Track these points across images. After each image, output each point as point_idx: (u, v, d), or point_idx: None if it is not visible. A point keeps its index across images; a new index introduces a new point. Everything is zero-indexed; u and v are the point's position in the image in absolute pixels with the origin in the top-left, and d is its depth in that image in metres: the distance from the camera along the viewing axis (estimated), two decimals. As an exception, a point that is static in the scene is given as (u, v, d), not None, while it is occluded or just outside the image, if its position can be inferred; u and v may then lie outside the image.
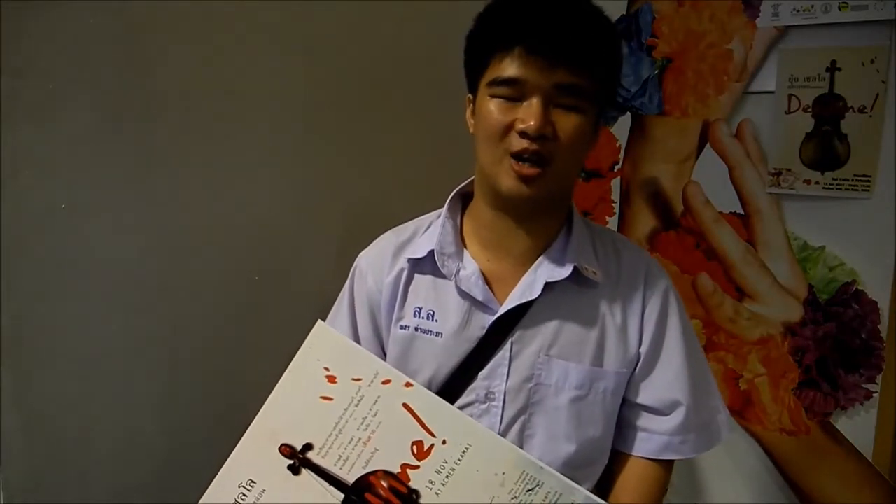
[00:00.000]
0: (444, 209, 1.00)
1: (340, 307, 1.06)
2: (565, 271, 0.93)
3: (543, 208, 0.94)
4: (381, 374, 0.90)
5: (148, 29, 1.32)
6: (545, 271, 0.94)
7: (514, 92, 0.86)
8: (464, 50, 0.94)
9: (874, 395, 1.40)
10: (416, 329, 0.97)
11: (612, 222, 1.73)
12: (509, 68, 0.85)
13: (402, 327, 0.99)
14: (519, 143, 0.86)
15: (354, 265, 1.06)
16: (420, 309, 0.98)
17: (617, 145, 1.70)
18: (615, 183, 1.72)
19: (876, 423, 1.41)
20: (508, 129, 0.86)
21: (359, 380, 0.90)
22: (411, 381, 0.90)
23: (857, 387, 1.42)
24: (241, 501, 0.91)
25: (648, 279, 0.98)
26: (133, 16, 1.30)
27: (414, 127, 1.53)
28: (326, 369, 0.91)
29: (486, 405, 0.94)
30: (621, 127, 1.69)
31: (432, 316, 0.97)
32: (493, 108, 0.87)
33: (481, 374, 0.94)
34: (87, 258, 1.30)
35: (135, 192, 1.34)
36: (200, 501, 0.93)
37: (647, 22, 1.60)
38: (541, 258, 0.95)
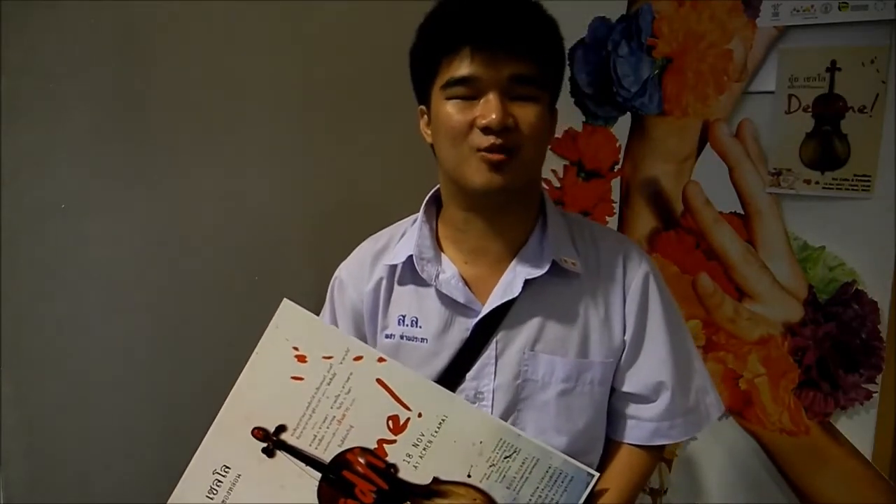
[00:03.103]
0: (420, 214, 1.00)
1: (323, 320, 1.06)
2: (544, 266, 0.93)
3: (513, 202, 0.94)
4: (352, 351, 0.89)
5: (147, 29, 1.32)
6: (524, 269, 0.94)
7: (470, 90, 0.87)
8: (409, 63, 0.94)
9: (874, 395, 1.40)
10: (402, 337, 0.98)
11: (612, 222, 1.73)
12: (461, 68, 0.86)
13: (387, 336, 0.99)
14: (484, 140, 0.86)
15: (335, 277, 1.06)
16: (404, 317, 0.98)
17: (617, 145, 1.70)
18: (615, 183, 1.72)
19: (876, 423, 1.41)
20: (470, 127, 0.87)
21: (330, 357, 0.89)
22: (384, 356, 0.89)
23: (857, 387, 1.42)
24: (216, 488, 0.90)
25: (628, 266, 0.97)
26: (132, 16, 1.30)
27: (415, 126, 1.53)
28: (295, 349, 0.90)
29: (476, 405, 0.94)
30: (621, 127, 1.69)
31: (416, 322, 0.97)
32: (451, 109, 0.88)
33: (469, 374, 0.95)
34: (87, 258, 1.30)
35: (135, 192, 1.34)
36: (174, 493, 0.92)
37: (647, 22, 1.60)
38: (518, 256, 0.95)
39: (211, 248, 1.45)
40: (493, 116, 0.84)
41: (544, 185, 1.81)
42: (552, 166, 1.79)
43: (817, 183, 1.42)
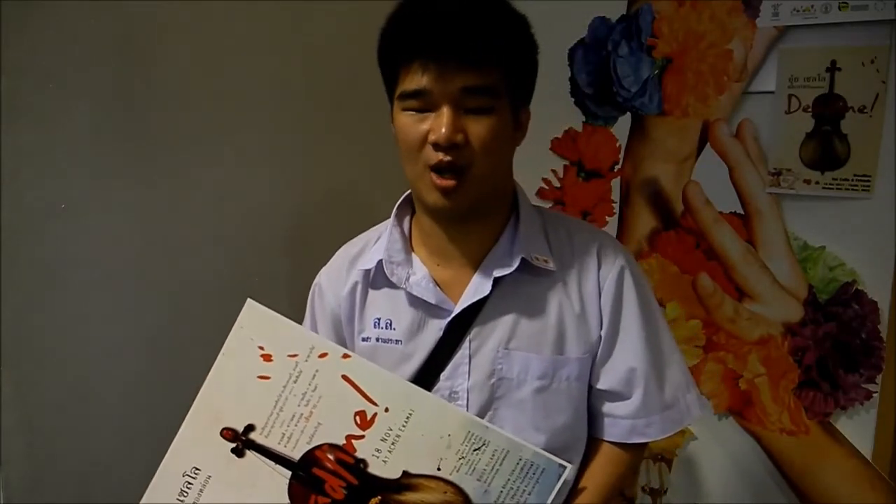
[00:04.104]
0: (391, 218, 1.01)
1: (304, 325, 1.07)
2: (513, 264, 0.93)
3: (477, 211, 0.93)
4: (317, 348, 0.89)
5: (147, 29, 1.32)
6: (494, 267, 0.94)
7: (423, 103, 0.86)
8: (378, 64, 0.93)
9: (874, 395, 1.40)
10: (377, 339, 0.99)
11: (612, 222, 1.73)
12: (413, 80, 0.85)
13: (363, 339, 1.00)
14: (434, 156, 0.86)
15: (314, 283, 1.07)
16: (378, 319, 0.99)
17: (617, 145, 1.70)
18: (615, 183, 1.72)
19: (876, 423, 1.41)
20: (423, 141, 0.86)
21: (295, 356, 0.89)
22: (349, 352, 0.90)
23: (857, 387, 1.42)
24: (186, 490, 0.91)
25: (603, 260, 0.97)
26: (133, 16, 1.30)
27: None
28: (261, 348, 0.90)
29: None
30: (621, 127, 1.69)
31: (390, 325, 0.98)
32: (406, 121, 0.88)
33: (443, 374, 0.95)
34: (87, 258, 1.30)
35: (134, 192, 1.34)
36: (145, 496, 0.92)
37: (647, 22, 1.60)
38: (489, 255, 0.96)
39: (211, 248, 1.45)
40: (442, 131, 0.84)
41: (544, 185, 1.81)
42: (552, 166, 1.79)
43: (817, 183, 1.42)
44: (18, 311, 1.23)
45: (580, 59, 1.70)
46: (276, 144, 1.51)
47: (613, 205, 1.73)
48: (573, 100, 1.72)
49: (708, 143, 1.57)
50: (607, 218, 1.74)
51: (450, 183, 0.86)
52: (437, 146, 0.85)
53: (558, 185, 1.80)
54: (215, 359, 0.93)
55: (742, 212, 1.53)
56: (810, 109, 1.42)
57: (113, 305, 1.34)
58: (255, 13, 1.44)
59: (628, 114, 1.68)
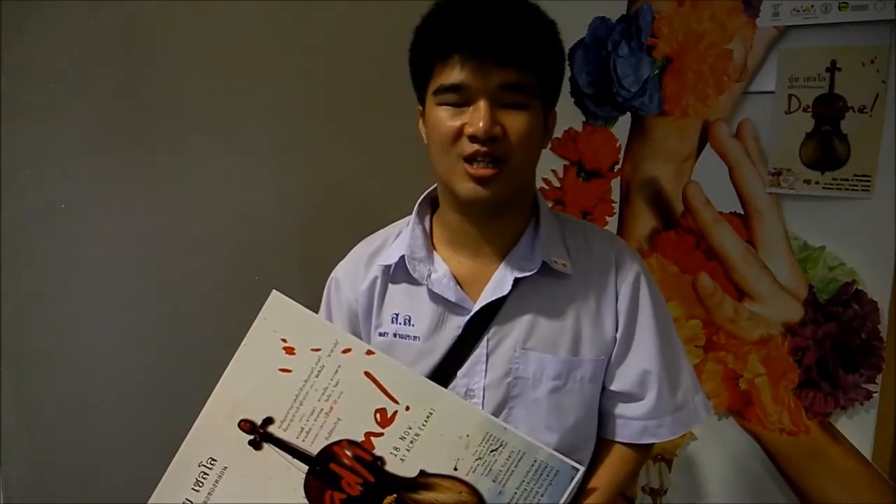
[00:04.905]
0: (413, 215, 1.02)
1: None
2: (534, 266, 0.95)
3: (505, 206, 0.95)
4: (340, 343, 0.89)
5: (147, 29, 1.32)
6: (514, 267, 0.95)
7: (460, 98, 0.87)
8: (408, 62, 0.95)
9: (874, 395, 1.40)
10: (395, 335, 0.99)
11: (612, 222, 1.73)
12: (451, 75, 0.87)
13: (380, 334, 1.01)
14: (470, 147, 0.87)
15: (331, 277, 1.08)
16: (397, 315, 1.00)
17: (617, 145, 1.70)
18: (615, 183, 1.72)
19: (876, 423, 1.41)
20: (458, 134, 0.88)
21: (318, 350, 0.89)
22: (373, 349, 0.90)
23: (857, 387, 1.42)
24: (202, 481, 0.90)
25: (619, 266, 0.99)
26: (132, 16, 1.30)
27: (414, 127, 1.53)
28: (284, 340, 0.90)
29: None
30: (621, 127, 1.69)
31: (409, 321, 0.99)
32: (441, 115, 0.89)
33: (460, 372, 0.96)
34: (87, 258, 1.30)
35: (135, 192, 1.35)
36: (159, 486, 0.92)
37: (647, 22, 1.60)
38: (510, 255, 0.97)
39: (211, 248, 1.45)
40: (480, 125, 0.85)
41: (544, 185, 1.81)
42: (552, 166, 1.79)
43: (817, 183, 1.42)
44: (18, 311, 1.23)
45: (580, 59, 1.70)
46: (276, 144, 1.51)
47: (613, 205, 1.73)
48: (573, 100, 1.72)
49: (708, 143, 1.56)
50: (607, 218, 1.74)
51: (486, 172, 0.87)
52: (474, 138, 0.86)
53: (558, 185, 1.80)
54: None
55: (742, 212, 1.53)
56: (810, 109, 1.41)
57: (113, 305, 1.34)
58: (255, 13, 1.44)
59: (628, 114, 1.67)
